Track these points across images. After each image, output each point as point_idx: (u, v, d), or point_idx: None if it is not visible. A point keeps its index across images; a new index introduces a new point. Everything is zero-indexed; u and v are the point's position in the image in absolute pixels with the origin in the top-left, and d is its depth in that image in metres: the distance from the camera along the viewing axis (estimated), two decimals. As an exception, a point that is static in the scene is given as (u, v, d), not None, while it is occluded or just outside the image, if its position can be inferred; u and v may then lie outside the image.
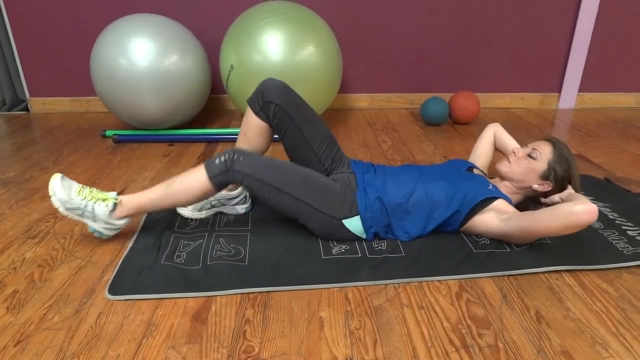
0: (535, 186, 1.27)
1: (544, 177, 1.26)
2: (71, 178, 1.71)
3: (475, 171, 1.39)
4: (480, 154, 1.51)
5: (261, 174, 1.14)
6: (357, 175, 1.28)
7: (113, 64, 1.94)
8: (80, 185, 1.18)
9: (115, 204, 1.18)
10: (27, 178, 1.72)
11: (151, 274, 1.10)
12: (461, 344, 0.91)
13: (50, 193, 1.15)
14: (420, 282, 1.10)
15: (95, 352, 0.88)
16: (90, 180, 1.70)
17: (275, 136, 1.34)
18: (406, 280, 1.10)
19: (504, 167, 1.31)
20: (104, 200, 1.17)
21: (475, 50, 2.65)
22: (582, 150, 2.04)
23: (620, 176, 1.74)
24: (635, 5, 2.58)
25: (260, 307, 1.01)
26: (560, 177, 1.25)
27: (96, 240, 1.28)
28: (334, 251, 1.20)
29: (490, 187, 1.24)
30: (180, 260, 1.16)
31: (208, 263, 1.14)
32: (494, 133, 1.52)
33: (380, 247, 1.22)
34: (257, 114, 1.29)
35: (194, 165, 1.84)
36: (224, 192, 1.36)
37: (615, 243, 1.24)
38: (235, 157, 1.14)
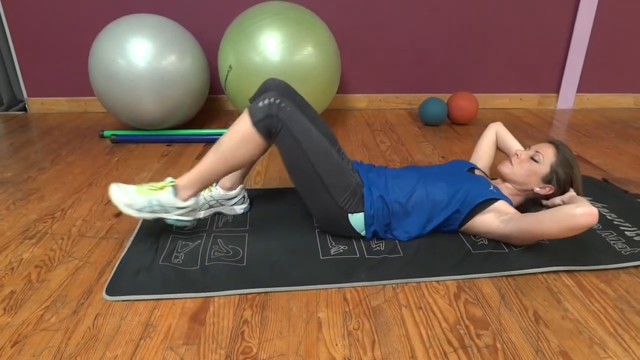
0: (537, 189, 1.27)
1: (546, 180, 1.26)
2: (69, 178, 1.71)
3: (477, 172, 1.39)
4: (483, 154, 1.51)
5: (299, 131, 1.12)
6: (361, 174, 1.28)
7: (111, 64, 1.94)
8: (137, 185, 1.19)
9: (174, 187, 1.16)
10: (25, 178, 1.71)
11: (149, 275, 1.10)
12: (459, 344, 0.91)
13: (116, 204, 1.16)
14: (419, 282, 1.10)
15: (93, 353, 0.88)
16: (88, 180, 1.69)
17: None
18: (404, 280, 1.10)
19: (506, 168, 1.31)
20: (161, 188, 1.16)
21: (473, 51, 2.65)
22: (580, 151, 2.04)
23: (619, 177, 1.75)
24: (633, 6, 2.59)
25: (258, 308, 1.01)
26: (562, 181, 1.25)
27: (94, 241, 1.27)
28: (332, 251, 1.20)
29: (492, 188, 1.24)
30: (178, 261, 1.15)
31: (206, 264, 1.14)
32: (495, 132, 1.52)
33: (378, 248, 1.22)
34: None
35: (193, 165, 1.83)
36: (222, 192, 1.36)
37: (613, 244, 1.24)
38: (280, 102, 1.11)
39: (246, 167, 1.37)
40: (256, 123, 1.11)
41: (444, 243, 1.23)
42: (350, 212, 1.20)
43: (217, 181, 1.29)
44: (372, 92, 2.75)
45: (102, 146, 2.08)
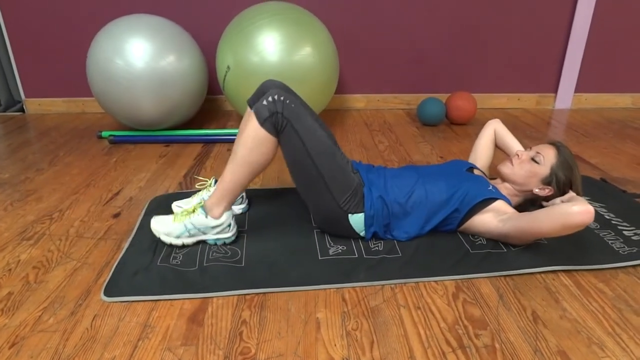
0: (536, 190, 1.27)
1: (546, 182, 1.26)
2: (67, 179, 1.70)
3: (476, 172, 1.39)
4: (482, 153, 1.51)
5: (303, 129, 1.12)
6: (362, 174, 1.28)
7: (110, 65, 1.94)
8: (174, 214, 1.25)
9: (203, 207, 1.19)
10: (23, 179, 1.71)
11: (147, 276, 1.09)
12: (458, 344, 0.91)
13: (157, 235, 1.20)
14: (417, 282, 1.10)
15: (91, 355, 0.88)
16: (86, 181, 1.69)
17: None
18: (403, 280, 1.10)
19: (506, 169, 1.31)
20: (193, 211, 1.20)
21: (471, 51, 2.66)
22: (578, 151, 2.04)
23: (616, 176, 1.75)
24: (630, 6, 2.59)
25: (256, 309, 1.01)
26: (562, 183, 1.25)
27: (92, 242, 1.27)
28: (330, 252, 1.20)
29: (490, 187, 1.24)
30: (177, 262, 1.15)
31: (204, 264, 1.14)
32: (494, 130, 1.52)
33: (377, 248, 1.22)
34: None
35: (191, 166, 1.83)
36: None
37: (612, 243, 1.24)
38: (284, 99, 1.11)
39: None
40: (263, 123, 1.11)
41: (443, 243, 1.23)
42: (350, 213, 1.20)
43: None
44: (371, 92, 2.75)
45: (100, 147, 2.07)
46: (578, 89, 2.78)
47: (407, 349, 0.90)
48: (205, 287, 1.06)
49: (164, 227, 1.20)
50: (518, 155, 1.31)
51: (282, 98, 1.11)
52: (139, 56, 1.93)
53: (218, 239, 1.21)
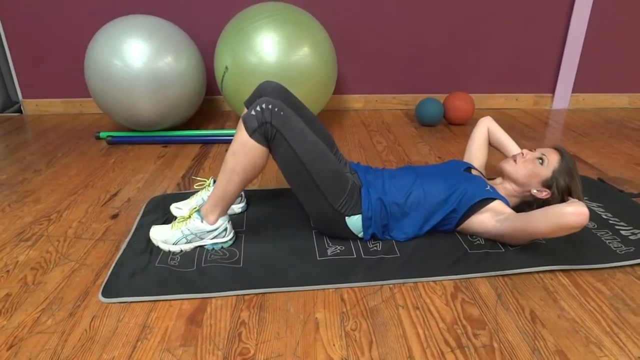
0: (534, 191, 1.27)
1: (546, 184, 1.26)
2: (64, 180, 1.70)
3: (474, 172, 1.39)
4: (476, 153, 1.51)
5: (293, 137, 1.11)
6: (360, 175, 1.28)
7: (108, 65, 1.94)
8: (171, 222, 1.27)
9: (198, 212, 1.20)
10: (20, 180, 1.70)
11: (145, 277, 1.09)
12: (456, 344, 0.91)
13: (157, 244, 1.22)
14: (416, 282, 1.10)
15: (89, 356, 0.88)
16: (84, 182, 1.69)
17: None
18: (401, 280, 1.10)
19: (509, 166, 1.31)
20: (189, 217, 1.20)
21: (469, 52, 2.66)
22: (575, 151, 2.05)
23: (614, 176, 1.76)
24: (627, 7, 2.60)
25: (255, 309, 1.01)
26: (561, 189, 1.25)
27: (90, 243, 1.27)
28: (329, 252, 1.20)
29: (488, 188, 1.24)
30: (175, 263, 1.15)
31: (203, 265, 1.14)
32: (487, 128, 1.52)
33: (375, 248, 1.22)
34: None
35: (189, 166, 1.83)
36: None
37: (609, 243, 1.25)
38: (273, 108, 1.11)
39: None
40: (252, 134, 1.11)
41: (441, 243, 1.23)
42: (347, 215, 1.20)
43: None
44: (369, 92, 2.75)
45: (98, 148, 2.07)
46: (575, 89, 2.79)
47: (406, 349, 0.90)
48: (203, 287, 1.06)
49: (161, 235, 1.21)
50: (523, 154, 1.31)
51: (270, 106, 1.10)
52: (137, 57, 1.93)
53: (216, 244, 1.22)
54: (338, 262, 1.16)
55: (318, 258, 1.18)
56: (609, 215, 1.40)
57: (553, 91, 2.79)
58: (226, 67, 2.04)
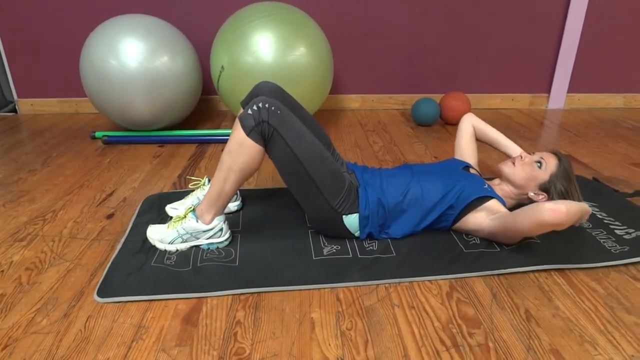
0: (531, 194, 1.28)
1: (543, 188, 1.27)
2: (60, 180, 1.69)
3: (472, 171, 1.40)
4: (466, 150, 1.51)
5: (291, 136, 1.11)
6: (357, 175, 1.28)
7: (103, 65, 1.93)
8: (168, 222, 1.26)
9: (193, 212, 1.19)
10: (15, 180, 1.70)
11: (141, 276, 1.09)
12: (452, 343, 0.91)
13: (152, 242, 1.21)
14: (411, 282, 1.10)
15: (84, 356, 0.87)
16: (80, 182, 1.68)
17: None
18: (397, 280, 1.10)
19: (507, 168, 1.32)
20: (185, 216, 1.20)
21: (466, 52, 2.67)
22: (571, 151, 2.06)
23: (609, 176, 1.76)
24: (622, 7, 2.61)
25: (251, 309, 1.01)
26: (558, 192, 1.26)
27: (85, 243, 1.27)
28: (325, 252, 1.20)
29: (486, 186, 1.25)
30: (171, 262, 1.15)
31: (198, 265, 1.14)
32: (472, 125, 1.53)
33: (371, 248, 1.22)
34: None
35: (185, 166, 1.83)
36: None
37: (604, 242, 1.25)
38: (270, 107, 1.10)
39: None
40: (249, 133, 1.10)
41: (437, 242, 1.24)
42: (344, 214, 1.20)
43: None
44: (365, 92, 2.75)
45: (93, 147, 2.06)
46: (571, 90, 2.80)
47: (402, 348, 0.90)
48: (199, 287, 1.06)
49: (157, 234, 1.20)
50: (522, 157, 1.32)
51: (267, 105, 1.10)
52: (132, 56, 1.92)
53: (211, 244, 1.21)
54: (334, 261, 1.16)
55: (314, 257, 1.18)
56: (604, 214, 1.41)
57: (549, 91, 2.80)
58: (222, 67, 2.03)
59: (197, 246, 1.21)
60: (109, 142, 2.08)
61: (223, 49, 2.03)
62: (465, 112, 2.37)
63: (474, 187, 1.23)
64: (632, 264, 1.17)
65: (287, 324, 0.96)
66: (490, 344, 0.91)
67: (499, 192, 1.32)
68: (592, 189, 1.60)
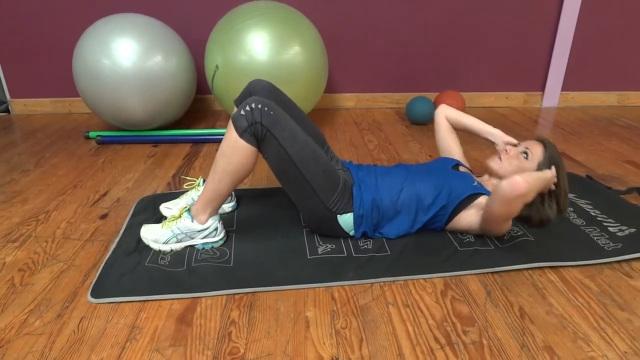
0: None
1: None
2: (53, 180, 1.68)
3: (461, 168, 1.40)
4: (448, 145, 1.51)
5: (284, 136, 1.11)
6: (352, 172, 1.28)
7: (96, 64, 1.92)
8: (162, 222, 1.24)
9: (189, 212, 1.19)
10: (8, 181, 1.68)
11: (134, 277, 1.09)
12: (446, 341, 0.91)
13: (146, 242, 1.21)
14: (406, 280, 1.10)
15: (78, 357, 0.87)
16: (73, 182, 1.67)
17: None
18: (392, 278, 1.10)
19: (494, 164, 1.32)
20: (179, 216, 1.19)
21: (460, 50, 2.67)
22: (564, 148, 2.06)
23: (602, 173, 1.77)
24: (616, 6, 2.63)
25: (245, 308, 1.01)
26: None
27: (79, 243, 1.26)
28: (319, 251, 1.20)
29: (475, 183, 1.26)
30: (165, 262, 1.14)
31: (193, 265, 1.13)
32: (445, 117, 1.52)
33: (365, 246, 1.22)
34: None
35: (180, 166, 1.82)
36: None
37: (597, 239, 1.26)
38: (262, 107, 1.09)
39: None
40: (242, 134, 1.10)
41: (431, 241, 1.24)
42: (339, 213, 1.20)
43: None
44: (360, 91, 2.75)
45: (87, 147, 2.05)
46: (565, 88, 2.81)
47: (396, 347, 0.90)
48: (193, 287, 1.06)
49: (152, 234, 1.20)
50: (507, 151, 1.32)
51: (260, 106, 1.09)
52: (126, 56, 1.91)
53: (206, 244, 1.21)
54: (329, 260, 1.16)
55: (309, 257, 1.18)
56: (597, 212, 1.42)
57: (543, 89, 2.81)
58: (217, 66, 2.03)
59: (192, 246, 1.21)
60: (103, 142, 2.07)
61: (217, 48, 2.02)
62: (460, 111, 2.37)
63: (463, 186, 1.23)
64: (625, 261, 1.18)
65: (282, 323, 0.96)
66: (485, 342, 0.91)
67: (489, 188, 1.32)
68: (586, 186, 1.61)
